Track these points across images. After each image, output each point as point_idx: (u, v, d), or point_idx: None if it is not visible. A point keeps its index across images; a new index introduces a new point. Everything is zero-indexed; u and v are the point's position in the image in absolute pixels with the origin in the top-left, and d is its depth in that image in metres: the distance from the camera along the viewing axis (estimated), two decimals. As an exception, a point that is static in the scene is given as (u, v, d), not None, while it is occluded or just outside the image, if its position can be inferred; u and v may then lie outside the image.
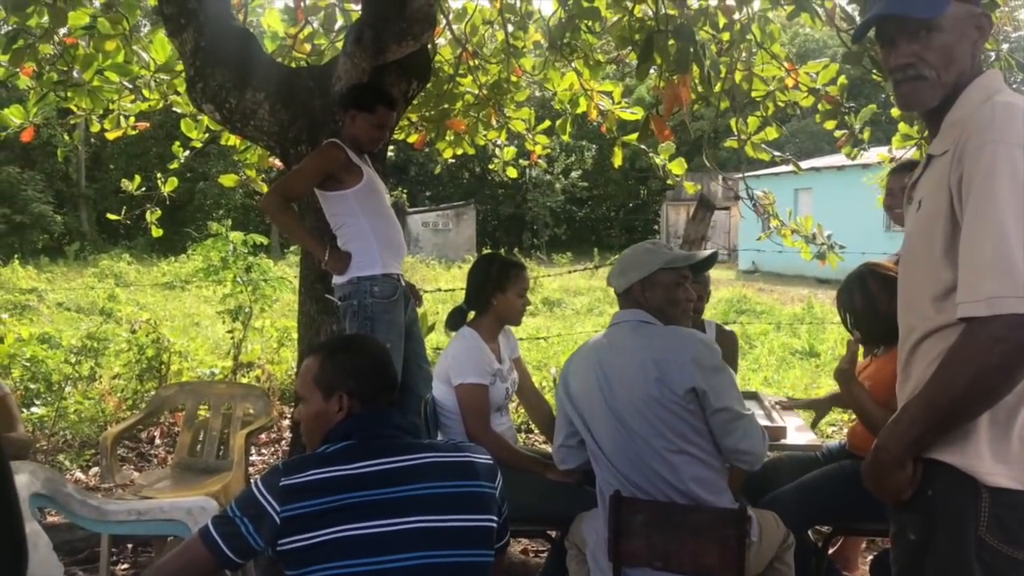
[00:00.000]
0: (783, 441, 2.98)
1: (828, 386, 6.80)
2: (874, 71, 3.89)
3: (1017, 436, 1.48)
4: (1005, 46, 4.22)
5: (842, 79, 4.81)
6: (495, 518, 1.74)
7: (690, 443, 2.24)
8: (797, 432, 3.11)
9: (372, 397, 1.80)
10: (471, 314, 3.06)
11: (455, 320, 3.08)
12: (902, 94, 1.64)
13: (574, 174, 33.39)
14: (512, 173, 6.32)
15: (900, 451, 1.55)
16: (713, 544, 2.17)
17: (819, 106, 4.85)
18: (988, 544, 1.48)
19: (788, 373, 7.59)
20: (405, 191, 28.44)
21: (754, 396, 3.59)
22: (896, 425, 1.58)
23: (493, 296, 2.96)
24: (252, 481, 1.73)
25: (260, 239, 6.73)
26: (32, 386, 5.74)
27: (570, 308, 13.80)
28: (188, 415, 4.12)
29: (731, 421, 2.24)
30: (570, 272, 9.98)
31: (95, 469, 4.96)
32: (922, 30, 1.57)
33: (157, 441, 5.50)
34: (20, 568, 0.81)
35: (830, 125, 4.92)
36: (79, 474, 4.95)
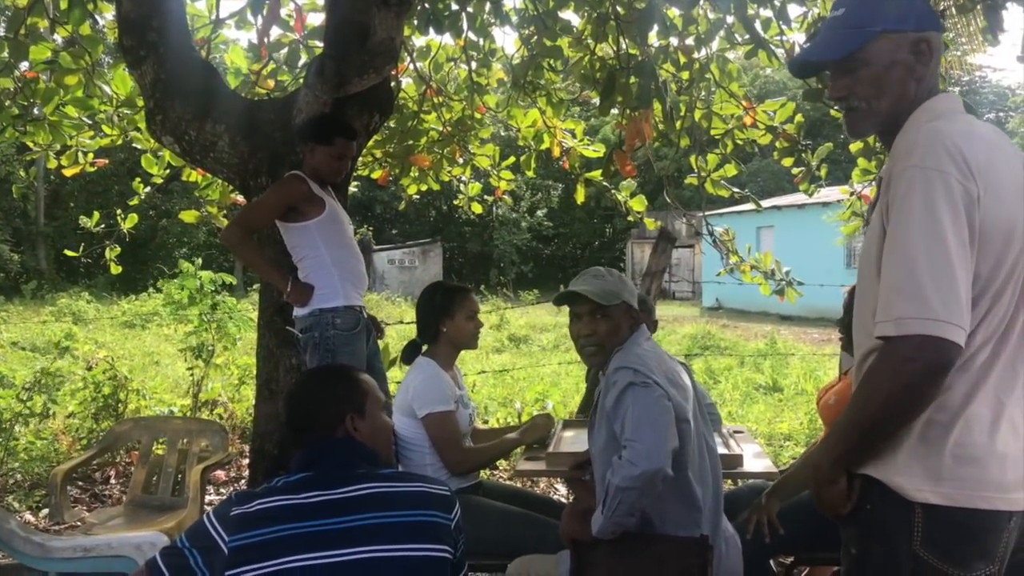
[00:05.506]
0: (740, 469, 2.94)
1: (790, 419, 6.85)
2: (833, 109, 3.99)
3: (950, 454, 1.50)
4: (955, 89, 4.37)
5: (799, 117, 4.93)
6: (450, 549, 1.70)
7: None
8: (755, 459, 3.08)
9: (293, 441, 1.85)
10: (424, 347, 3.06)
11: (409, 354, 3.08)
12: (845, 123, 1.74)
13: (540, 212, 33.61)
14: (477, 209, 6.35)
15: (828, 468, 1.60)
16: (675, 574, 2.15)
17: (777, 144, 4.96)
18: (923, 559, 1.51)
19: (752, 408, 7.64)
20: (371, 228, 28.39)
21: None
22: (825, 442, 1.65)
23: (442, 323, 2.98)
24: (205, 512, 1.69)
25: (229, 278, 6.66)
26: (-20, 426, 5.57)
27: (536, 344, 13.80)
28: (143, 451, 4.02)
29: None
30: (535, 304, 9.97)
31: (46, 511, 4.81)
32: (851, 65, 1.65)
33: (112, 480, 5.35)
34: None
35: (788, 162, 5.03)
36: (28, 515, 4.79)
